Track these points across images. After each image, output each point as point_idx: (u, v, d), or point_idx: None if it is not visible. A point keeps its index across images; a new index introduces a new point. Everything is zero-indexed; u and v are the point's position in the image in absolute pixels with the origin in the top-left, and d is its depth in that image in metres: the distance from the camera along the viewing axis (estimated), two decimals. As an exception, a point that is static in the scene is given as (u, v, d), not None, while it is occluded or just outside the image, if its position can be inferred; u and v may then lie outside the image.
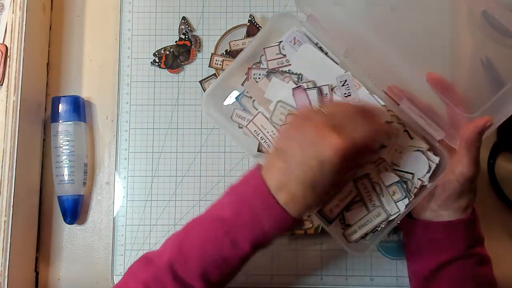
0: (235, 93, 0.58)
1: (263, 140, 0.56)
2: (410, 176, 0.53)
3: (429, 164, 0.52)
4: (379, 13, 0.56)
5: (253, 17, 0.68)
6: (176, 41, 0.70)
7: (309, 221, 0.64)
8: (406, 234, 0.59)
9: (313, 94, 0.54)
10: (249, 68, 0.57)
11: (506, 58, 0.51)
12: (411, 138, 0.53)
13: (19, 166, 0.61)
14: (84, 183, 0.67)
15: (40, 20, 0.69)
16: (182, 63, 0.69)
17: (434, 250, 0.54)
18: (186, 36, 0.69)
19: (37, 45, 0.68)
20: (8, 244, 0.59)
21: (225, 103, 0.58)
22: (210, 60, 0.69)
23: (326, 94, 0.55)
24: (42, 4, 0.69)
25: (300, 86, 0.55)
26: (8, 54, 0.63)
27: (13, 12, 0.63)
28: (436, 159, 0.53)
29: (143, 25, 0.70)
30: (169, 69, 0.69)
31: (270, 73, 0.56)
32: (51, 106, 0.66)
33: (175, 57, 0.69)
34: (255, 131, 0.56)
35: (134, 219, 0.66)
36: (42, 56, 0.69)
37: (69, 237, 0.67)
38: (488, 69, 0.51)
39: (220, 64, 0.68)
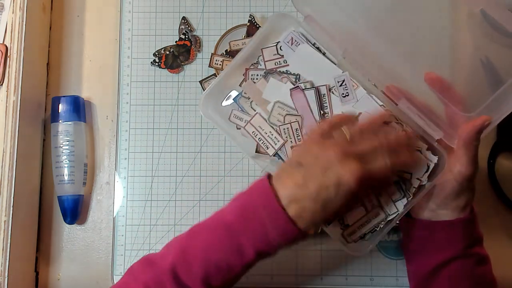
0: (233, 94, 0.58)
1: (261, 141, 0.56)
2: (408, 175, 0.53)
3: (427, 163, 0.52)
4: (377, 13, 0.56)
5: (253, 17, 0.68)
6: (176, 41, 0.70)
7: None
8: (405, 234, 0.59)
9: (310, 94, 0.54)
10: (246, 69, 0.57)
11: (506, 58, 0.51)
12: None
13: (19, 166, 0.61)
14: (84, 183, 0.67)
15: (40, 20, 0.69)
16: (182, 63, 0.69)
17: (433, 249, 0.54)
18: (186, 36, 0.69)
19: (37, 45, 0.68)
20: (8, 244, 0.59)
21: (223, 104, 0.58)
22: (210, 60, 0.69)
23: (324, 94, 0.55)
24: (42, 4, 0.69)
25: (297, 86, 0.55)
26: (8, 54, 0.63)
27: (13, 12, 0.63)
28: (434, 159, 0.53)
29: (143, 25, 0.70)
30: (169, 69, 0.69)
31: (268, 73, 0.56)
32: (51, 106, 0.66)
33: (175, 57, 0.69)
34: (253, 132, 0.56)
35: (134, 219, 0.66)
36: (42, 56, 0.69)
37: (69, 237, 0.67)
38: (488, 68, 0.51)
39: (220, 64, 0.68)
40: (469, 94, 0.52)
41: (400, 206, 0.52)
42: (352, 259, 0.64)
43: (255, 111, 0.56)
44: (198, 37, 0.70)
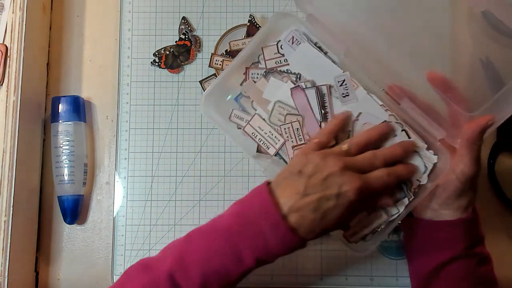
0: (234, 94, 0.58)
1: (261, 142, 0.56)
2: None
3: (425, 163, 0.52)
4: (379, 12, 0.56)
5: (253, 17, 0.68)
6: (176, 41, 0.70)
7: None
8: (407, 234, 0.59)
9: (311, 93, 0.54)
10: (247, 68, 0.57)
11: (506, 58, 0.51)
12: (409, 138, 0.53)
13: (19, 166, 0.61)
14: (84, 183, 0.67)
15: (40, 20, 0.69)
16: (182, 63, 0.69)
17: (435, 249, 0.54)
18: (186, 36, 0.69)
19: (37, 45, 0.68)
20: (8, 244, 0.59)
21: (224, 103, 0.57)
22: (210, 60, 0.69)
23: (324, 94, 0.55)
24: (42, 4, 0.69)
25: (298, 85, 0.55)
26: (8, 54, 0.63)
27: (13, 12, 0.63)
28: (433, 158, 0.52)
29: (143, 25, 0.70)
30: (169, 69, 0.69)
31: (268, 73, 0.56)
32: (51, 106, 0.66)
33: (175, 57, 0.69)
34: (252, 133, 0.56)
35: (134, 219, 0.66)
36: (42, 56, 0.69)
37: (69, 237, 0.67)
38: (488, 69, 0.51)
39: (220, 64, 0.68)
40: (469, 94, 0.52)
41: (401, 206, 0.52)
42: (352, 259, 0.64)
43: (255, 110, 0.56)
44: (198, 37, 0.70)
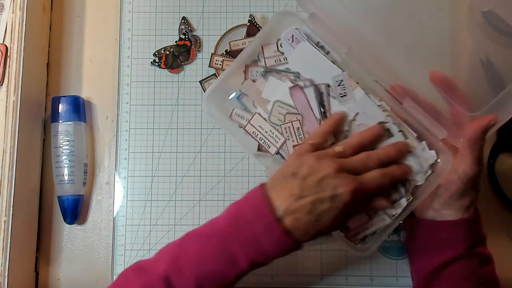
0: (236, 92, 0.58)
1: (262, 141, 0.56)
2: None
3: (420, 163, 0.52)
4: (381, 11, 0.56)
5: (253, 17, 0.68)
6: (176, 41, 0.70)
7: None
8: (409, 233, 0.59)
9: (310, 92, 0.54)
10: (246, 66, 0.57)
11: (506, 58, 0.51)
12: (406, 139, 0.53)
13: (19, 166, 0.61)
14: (84, 183, 0.67)
15: (40, 20, 0.69)
16: (182, 63, 0.69)
17: (436, 249, 0.54)
18: (186, 36, 0.69)
19: (37, 45, 0.68)
20: (8, 244, 0.59)
21: (226, 102, 0.57)
22: (210, 60, 0.69)
23: (323, 93, 0.55)
24: (42, 4, 0.69)
25: (297, 84, 0.55)
26: (8, 54, 0.63)
27: (13, 12, 0.63)
28: (431, 159, 0.52)
29: (143, 25, 0.70)
30: (169, 69, 0.69)
31: (267, 72, 0.56)
32: (51, 106, 0.66)
33: (175, 57, 0.69)
34: (253, 132, 0.56)
35: (134, 219, 0.66)
36: (42, 56, 0.69)
37: (69, 237, 0.67)
38: (488, 69, 0.51)
39: (220, 64, 0.68)
40: (469, 94, 0.52)
41: (401, 207, 0.52)
42: (352, 259, 0.64)
43: (256, 109, 0.56)
44: (198, 37, 0.70)
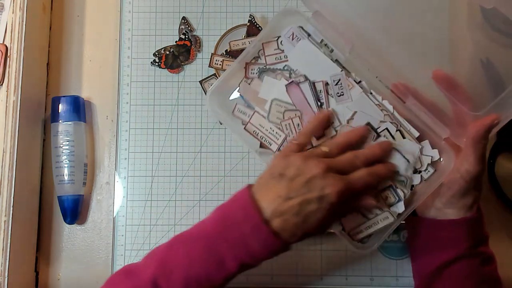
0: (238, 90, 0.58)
1: (263, 139, 0.56)
2: (401, 177, 0.53)
3: (407, 160, 0.52)
4: (384, 11, 0.56)
5: (253, 17, 0.68)
6: (176, 41, 0.70)
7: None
8: (411, 232, 0.59)
9: (306, 87, 0.54)
10: (247, 63, 0.57)
11: (506, 58, 0.51)
12: (404, 138, 0.53)
13: (19, 166, 0.61)
14: (84, 183, 0.67)
15: (40, 20, 0.69)
16: (182, 63, 0.69)
17: (438, 248, 0.54)
18: (186, 36, 0.69)
19: (37, 45, 0.68)
20: (8, 244, 0.59)
21: (229, 99, 0.57)
22: (210, 60, 0.69)
23: (320, 90, 0.55)
24: (42, 4, 0.69)
25: (292, 81, 0.55)
26: (8, 54, 0.63)
27: (13, 12, 0.63)
28: (429, 158, 0.53)
29: (143, 25, 0.70)
30: (169, 69, 0.69)
31: (262, 72, 0.56)
32: (51, 106, 0.66)
33: (175, 57, 0.69)
34: (254, 131, 0.56)
35: (134, 219, 0.66)
36: (42, 56, 0.69)
37: (69, 237, 0.67)
38: (488, 69, 0.51)
39: (220, 64, 0.68)
40: (471, 93, 0.52)
41: (401, 206, 0.52)
42: (352, 259, 0.64)
43: (255, 108, 0.56)
44: (198, 37, 0.70)
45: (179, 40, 0.69)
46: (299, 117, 0.55)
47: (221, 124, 0.67)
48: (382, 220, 0.53)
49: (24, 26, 0.63)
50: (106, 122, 0.69)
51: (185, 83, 0.69)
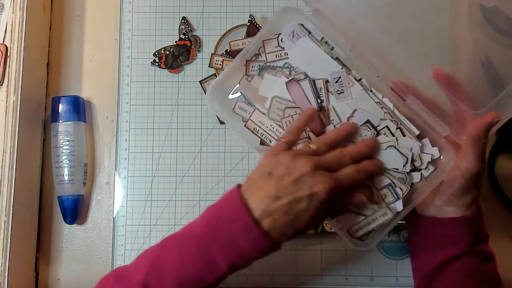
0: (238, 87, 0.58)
1: (264, 136, 0.56)
2: (401, 174, 0.53)
3: (404, 156, 0.52)
4: (384, 9, 0.56)
5: (253, 17, 0.68)
6: (176, 41, 0.70)
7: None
8: (410, 230, 0.59)
9: (306, 85, 0.54)
10: (247, 61, 0.57)
11: (506, 58, 0.51)
12: (404, 136, 0.53)
13: (19, 166, 0.61)
14: (84, 183, 0.67)
15: (40, 20, 0.69)
16: (182, 63, 0.69)
17: (438, 246, 0.54)
18: (186, 36, 0.69)
19: (37, 45, 0.68)
20: (8, 244, 0.59)
21: (230, 97, 0.57)
22: (210, 60, 0.69)
23: (321, 88, 0.55)
24: (42, 4, 0.69)
25: (293, 78, 0.55)
26: (8, 54, 0.63)
27: (13, 12, 0.63)
28: (428, 156, 0.53)
29: (143, 25, 0.70)
30: (169, 69, 0.69)
31: (262, 69, 0.56)
32: (51, 106, 0.66)
33: (175, 57, 0.69)
34: (254, 128, 0.56)
35: (134, 219, 0.66)
36: (42, 56, 0.69)
37: (69, 237, 0.67)
38: (488, 69, 0.51)
39: (220, 64, 0.68)
40: (471, 92, 0.52)
41: (400, 204, 0.52)
42: (352, 259, 0.64)
43: (256, 105, 0.56)
44: (198, 37, 0.70)
45: (179, 40, 0.69)
46: (299, 114, 0.55)
47: (221, 123, 0.67)
48: (381, 216, 0.53)
49: (24, 26, 0.63)
50: (106, 122, 0.69)
51: (185, 83, 0.69)
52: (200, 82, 0.68)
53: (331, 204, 0.48)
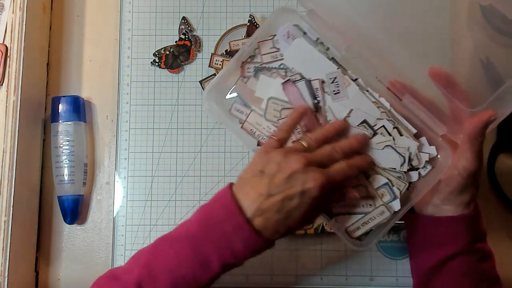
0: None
1: (260, 137, 0.56)
2: (398, 174, 0.53)
3: (401, 156, 0.52)
4: (381, 8, 0.56)
5: (253, 17, 0.68)
6: (176, 41, 0.70)
7: (309, 221, 0.64)
8: (409, 229, 0.59)
9: (302, 86, 0.54)
10: (243, 62, 0.57)
11: (506, 58, 0.51)
12: (401, 135, 0.53)
13: (19, 166, 0.61)
14: (84, 183, 0.67)
15: (40, 20, 0.69)
16: (182, 63, 0.69)
17: (436, 245, 0.54)
18: (186, 36, 0.69)
19: (37, 45, 0.68)
20: (8, 244, 0.59)
21: (226, 98, 0.57)
22: (210, 60, 0.69)
23: (317, 88, 0.55)
24: (42, 4, 0.69)
25: (289, 79, 0.55)
26: (8, 54, 0.63)
27: (13, 12, 0.63)
28: (427, 155, 0.53)
29: (143, 25, 0.70)
30: (169, 69, 0.69)
31: (258, 71, 0.56)
32: (51, 106, 0.66)
33: (175, 57, 0.69)
34: (251, 129, 0.56)
35: (134, 219, 0.66)
36: (42, 56, 0.69)
37: (69, 237, 0.67)
38: (488, 69, 0.51)
39: (220, 64, 0.68)
40: (470, 92, 0.52)
41: (397, 203, 0.52)
42: (352, 259, 0.64)
43: (252, 106, 0.56)
44: (198, 37, 0.70)
45: (179, 40, 0.70)
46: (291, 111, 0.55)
47: (221, 124, 0.67)
48: (379, 216, 0.53)
49: (24, 26, 0.63)
50: (106, 122, 0.69)
51: (185, 83, 0.69)
52: (200, 82, 0.68)
53: (323, 200, 0.48)
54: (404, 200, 0.53)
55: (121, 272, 0.48)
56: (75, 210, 0.65)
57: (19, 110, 0.62)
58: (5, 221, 0.59)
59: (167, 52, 0.69)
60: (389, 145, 0.53)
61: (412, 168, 0.53)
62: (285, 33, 0.56)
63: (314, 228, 0.64)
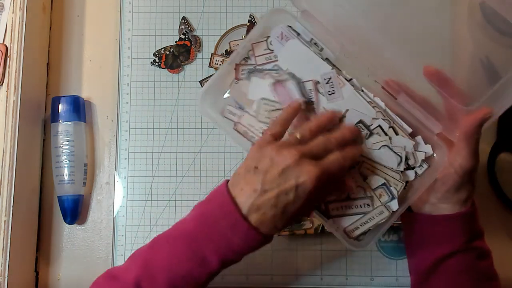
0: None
1: (254, 139, 0.55)
2: (395, 173, 0.53)
3: (398, 155, 0.52)
4: (375, 7, 0.56)
5: (253, 17, 0.68)
6: (176, 41, 0.70)
7: (309, 221, 0.64)
8: (406, 228, 0.59)
9: (291, 86, 0.54)
10: (237, 64, 0.57)
11: (506, 58, 0.51)
12: (397, 135, 0.53)
13: (19, 166, 0.61)
14: (84, 183, 0.67)
15: (40, 20, 0.69)
16: (182, 63, 0.69)
17: (433, 243, 0.54)
18: (186, 36, 0.69)
19: (37, 45, 0.68)
20: (8, 244, 0.59)
21: (221, 101, 0.57)
22: (210, 60, 0.69)
23: (310, 89, 0.55)
24: (42, 4, 0.69)
25: (277, 80, 0.55)
26: (8, 54, 0.63)
27: (13, 12, 0.63)
28: (423, 154, 0.53)
29: (143, 25, 0.70)
30: (169, 69, 0.69)
31: (250, 73, 0.56)
32: (51, 106, 0.66)
33: (175, 57, 0.69)
34: (244, 131, 0.55)
35: (134, 219, 0.66)
36: (42, 56, 0.69)
37: (69, 237, 0.67)
38: (488, 69, 0.51)
39: (220, 64, 0.68)
40: (468, 88, 0.52)
41: (395, 203, 0.52)
42: (352, 259, 0.64)
43: (246, 109, 0.56)
44: (198, 37, 0.70)
45: (179, 40, 0.70)
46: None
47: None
48: (378, 215, 0.52)
49: (24, 26, 0.63)
50: (106, 122, 0.69)
51: (185, 83, 0.69)
52: (200, 82, 0.68)
53: (319, 192, 0.48)
54: (401, 200, 0.53)
55: (120, 271, 0.48)
56: (75, 210, 0.65)
57: (19, 110, 0.62)
58: (5, 221, 0.59)
59: (167, 52, 0.69)
60: (385, 145, 0.53)
61: (409, 168, 0.53)
62: (278, 35, 0.56)
63: (314, 228, 0.64)
